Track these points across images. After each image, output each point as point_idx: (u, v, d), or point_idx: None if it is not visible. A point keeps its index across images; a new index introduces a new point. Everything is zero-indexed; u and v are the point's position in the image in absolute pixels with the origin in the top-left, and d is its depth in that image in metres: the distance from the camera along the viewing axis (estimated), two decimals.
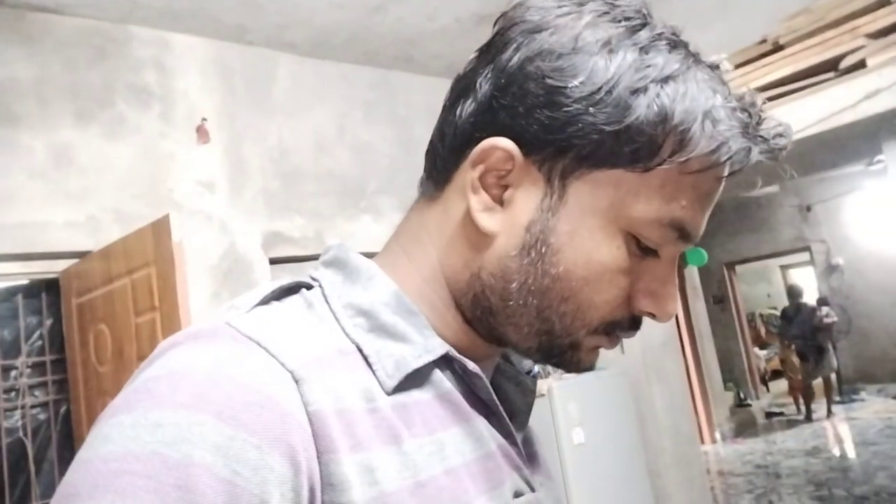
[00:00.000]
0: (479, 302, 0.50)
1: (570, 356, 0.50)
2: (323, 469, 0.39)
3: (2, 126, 2.54)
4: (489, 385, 0.50)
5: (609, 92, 0.44)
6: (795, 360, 7.85)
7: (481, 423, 0.49)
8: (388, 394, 0.44)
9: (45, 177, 2.60)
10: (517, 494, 0.49)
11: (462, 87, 0.50)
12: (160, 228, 2.25)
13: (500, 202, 0.48)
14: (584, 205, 0.46)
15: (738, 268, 9.44)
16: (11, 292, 2.94)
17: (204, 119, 3.01)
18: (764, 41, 2.83)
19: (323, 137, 3.41)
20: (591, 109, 0.44)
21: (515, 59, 0.46)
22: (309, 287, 0.50)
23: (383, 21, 3.21)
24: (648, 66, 0.44)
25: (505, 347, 0.53)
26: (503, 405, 0.51)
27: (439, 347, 0.47)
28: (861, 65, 2.43)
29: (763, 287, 11.71)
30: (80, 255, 2.61)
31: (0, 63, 2.57)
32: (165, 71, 2.98)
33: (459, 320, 0.51)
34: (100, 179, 2.71)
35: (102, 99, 2.78)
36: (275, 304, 0.49)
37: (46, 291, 2.92)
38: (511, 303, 0.48)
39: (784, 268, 11.05)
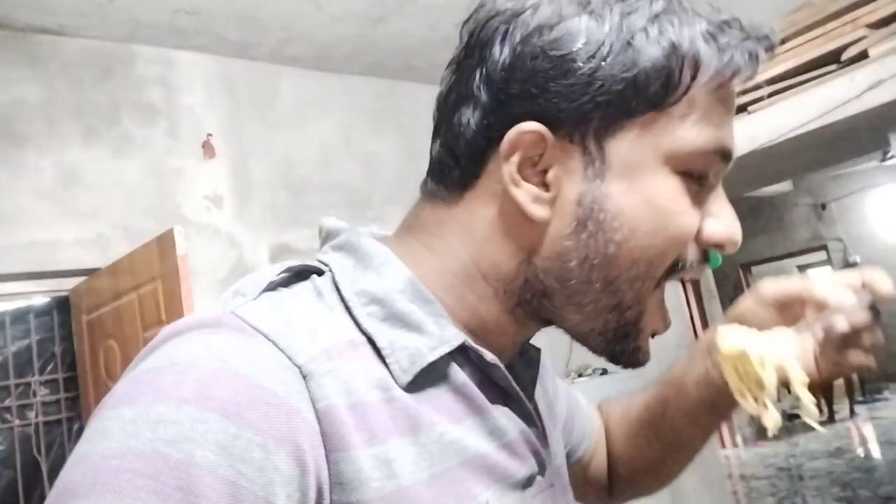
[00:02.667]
0: (531, 286, 0.48)
1: (633, 339, 0.49)
2: (332, 468, 0.38)
3: (10, 147, 2.58)
4: (507, 373, 0.48)
5: (613, 42, 0.44)
6: None
7: (499, 413, 0.48)
8: (403, 389, 0.43)
9: (53, 196, 2.63)
10: (531, 479, 0.49)
11: (454, 101, 0.49)
12: (165, 243, 2.27)
13: (545, 186, 0.47)
14: (628, 160, 0.45)
15: (755, 269, 9.34)
16: (24, 311, 2.98)
17: (209, 134, 3.04)
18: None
19: (328, 149, 3.44)
20: (603, 64, 0.44)
21: (507, 48, 0.46)
22: (319, 272, 0.49)
23: (385, 32, 3.23)
24: (637, 10, 0.45)
25: (553, 326, 0.52)
26: (514, 380, 0.50)
27: (455, 338, 0.46)
28: (863, 55, 2.41)
29: None
30: (90, 272, 2.64)
31: (7, 85, 2.62)
32: (170, 88, 3.01)
33: (497, 311, 0.50)
34: (108, 197, 2.74)
35: (109, 117, 2.82)
36: (282, 290, 0.47)
37: (58, 310, 2.96)
38: (572, 282, 0.47)
39: (801, 268, 10.91)
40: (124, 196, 2.77)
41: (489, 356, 0.47)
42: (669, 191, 0.46)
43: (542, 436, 0.52)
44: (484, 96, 0.47)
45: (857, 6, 2.46)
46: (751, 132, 2.66)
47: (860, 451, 6.09)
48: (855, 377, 7.71)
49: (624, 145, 0.45)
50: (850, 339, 0.55)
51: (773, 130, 2.64)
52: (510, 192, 0.46)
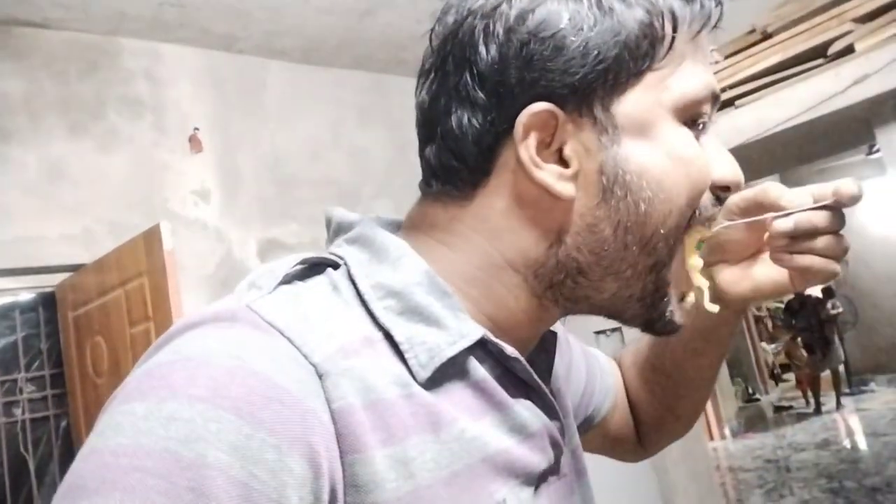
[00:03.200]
0: (564, 266, 0.48)
1: (668, 302, 0.50)
2: (346, 470, 0.38)
3: None
4: (528, 366, 0.48)
5: (596, 14, 0.45)
6: (802, 352, 7.80)
7: (521, 407, 0.47)
8: (422, 385, 0.43)
9: (38, 191, 2.60)
10: (549, 472, 0.49)
11: (444, 107, 0.48)
12: (152, 238, 2.26)
13: (564, 163, 0.47)
14: (638, 119, 0.46)
15: None
16: (9, 307, 2.95)
17: (196, 128, 3.02)
18: (753, 31, 2.82)
19: (317, 143, 3.42)
20: (592, 34, 0.45)
21: (493, 44, 0.46)
22: (334, 266, 0.48)
23: (372, 26, 3.22)
24: None
25: (580, 313, 0.52)
26: (534, 370, 0.50)
27: (474, 332, 0.45)
28: (849, 50, 2.42)
29: None
30: (76, 268, 2.62)
31: None
32: (156, 81, 2.99)
33: (525, 298, 0.49)
34: (94, 192, 2.71)
35: (94, 111, 2.79)
36: (298, 283, 0.46)
37: (44, 306, 2.93)
38: (608, 250, 0.47)
39: None
40: (110, 191, 2.75)
41: (509, 350, 0.47)
42: (682, 140, 0.47)
43: (562, 427, 0.52)
44: (480, 96, 0.47)
45: (844, 0, 2.47)
46: (737, 126, 2.67)
47: (846, 443, 6.15)
48: (842, 370, 7.78)
49: (630, 107, 0.46)
50: (812, 246, 0.54)
51: (759, 124, 2.65)
52: (533, 175, 0.46)
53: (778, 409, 8.28)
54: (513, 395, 0.48)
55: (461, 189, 0.49)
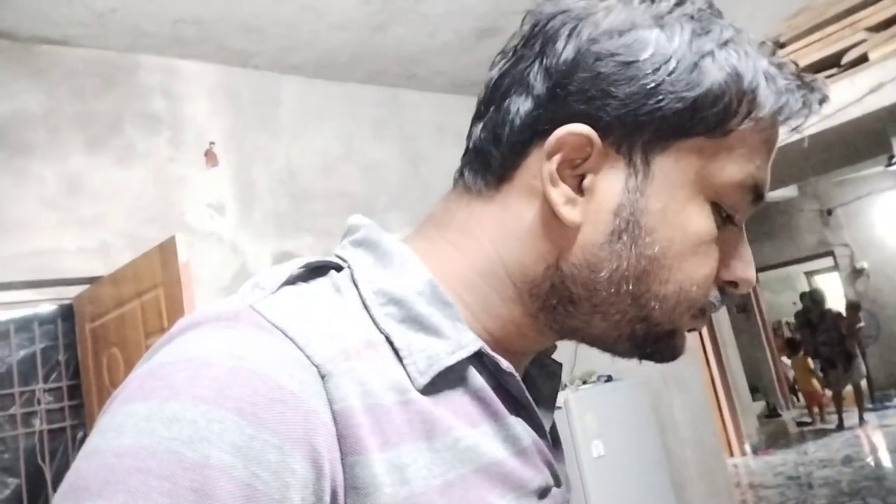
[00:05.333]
0: (557, 292, 0.48)
1: (666, 343, 0.49)
2: (347, 472, 0.37)
3: (14, 156, 2.61)
4: (521, 383, 0.48)
5: (681, 59, 0.44)
6: (811, 366, 7.70)
7: (514, 421, 0.47)
8: (420, 391, 0.42)
9: (57, 205, 2.65)
10: (545, 491, 0.48)
11: (506, 87, 0.49)
12: (167, 250, 2.28)
13: (580, 191, 0.46)
14: (671, 179, 0.45)
15: (761, 275, 9.30)
16: (29, 319, 2.99)
17: (212, 143, 3.05)
18: (765, 42, 2.80)
19: (330, 157, 3.45)
20: (668, 78, 0.44)
21: (572, 45, 0.46)
22: (338, 268, 0.48)
23: (385, 40, 3.25)
24: (708, 32, 0.45)
25: (572, 340, 0.52)
26: (530, 391, 0.49)
27: (472, 343, 0.45)
28: (863, 59, 2.40)
29: (788, 294, 11.48)
30: (94, 280, 2.65)
31: (10, 95, 2.65)
32: (173, 97, 3.03)
33: (519, 313, 0.49)
34: (111, 206, 2.75)
35: (112, 126, 2.84)
36: (301, 285, 0.46)
37: (62, 318, 2.97)
38: (601, 292, 0.47)
39: (809, 274, 10.85)
40: (127, 204, 2.79)
41: (505, 364, 0.46)
42: (703, 220, 0.46)
43: (553, 450, 0.51)
44: (539, 88, 0.47)
45: (857, 9, 2.45)
46: None
47: (870, 460, 6.02)
48: (864, 385, 7.64)
49: (669, 164, 0.45)
50: None
51: None
52: (546, 189, 0.46)
53: (800, 424, 8.13)
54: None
55: (488, 183, 0.50)
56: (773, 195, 7.05)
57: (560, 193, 0.46)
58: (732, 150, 0.45)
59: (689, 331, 0.51)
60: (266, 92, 3.32)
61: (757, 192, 0.47)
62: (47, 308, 2.95)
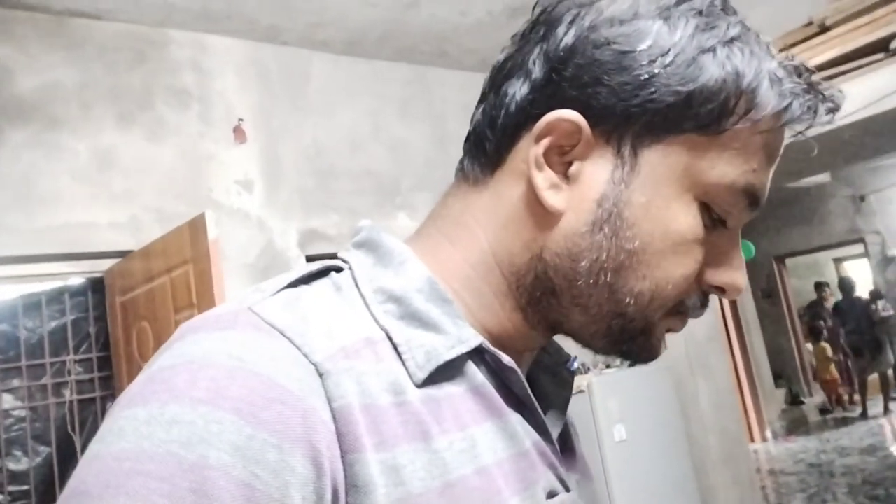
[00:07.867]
0: (541, 283, 0.48)
1: (641, 342, 0.49)
2: (347, 470, 0.37)
3: (47, 130, 2.62)
4: (524, 380, 0.47)
5: (679, 53, 0.44)
6: (829, 353, 7.62)
7: (515, 419, 0.46)
8: (418, 386, 0.42)
9: (88, 179, 2.67)
10: (551, 494, 0.46)
11: (508, 71, 0.49)
12: (197, 227, 2.29)
13: (566, 178, 0.46)
14: (658, 174, 0.45)
15: (789, 261, 9.16)
16: (60, 291, 3.04)
17: (241, 119, 3.05)
18: (810, 23, 2.72)
19: (358, 135, 3.43)
20: (663, 71, 0.43)
21: (572, 31, 0.45)
22: (339, 270, 0.49)
23: (416, 18, 3.21)
24: (713, 28, 0.45)
25: (559, 334, 0.52)
26: (539, 399, 0.48)
27: (472, 339, 0.45)
28: None
29: (815, 280, 11.33)
30: (124, 254, 2.68)
31: (43, 68, 2.66)
32: (203, 72, 3.03)
33: (510, 307, 0.49)
34: (141, 180, 2.77)
35: (143, 101, 2.84)
36: (303, 287, 0.46)
37: (93, 290, 3.01)
38: (580, 282, 0.46)
39: (837, 261, 10.65)
40: (157, 180, 2.80)
41: (506, 359, 0.46)
42: (687, 219, 0.45)
43: (559, 454, 0.50)
44: (537, 72, 0.46)
45: None
46: None
47: (894, 450, 5.96)
48: (890, 373, 7.54)
49: (658, 158, 0.45)
50: None
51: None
52: (530, 172, 0.46)
53: (823, 411, 8.07)
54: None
55: (483, 168, 0.50)
56: (803, 180, 6.92)
57: (545, 178, 0.46)
58: (725, 150, 0.44)
59: (668, 331, 0.50)
60: (295, 68, 3.30)
61: (752, 197, 0.46)
62: (78, 280, 2.99)
